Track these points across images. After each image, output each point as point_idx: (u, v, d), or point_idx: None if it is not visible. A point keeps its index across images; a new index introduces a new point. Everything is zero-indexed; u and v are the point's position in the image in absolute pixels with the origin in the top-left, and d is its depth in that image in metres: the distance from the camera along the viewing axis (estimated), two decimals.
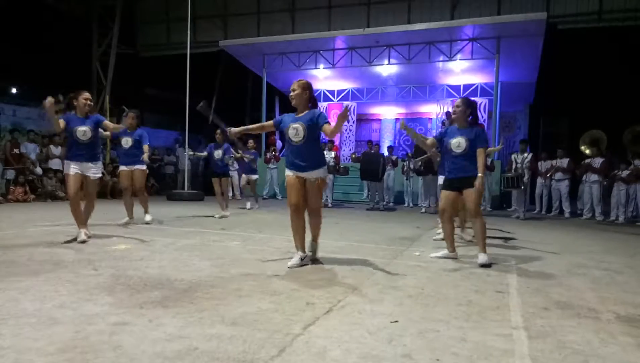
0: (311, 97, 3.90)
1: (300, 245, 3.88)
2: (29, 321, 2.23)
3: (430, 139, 4.68)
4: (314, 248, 4.00)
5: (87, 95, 4.97)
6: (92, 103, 5.00)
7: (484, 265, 4.03)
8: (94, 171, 4.98)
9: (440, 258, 4.39)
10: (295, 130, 3.76)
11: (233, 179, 13.45)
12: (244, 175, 10.17)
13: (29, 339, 2.00)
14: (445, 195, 4.44)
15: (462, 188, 4.31)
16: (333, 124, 3.67)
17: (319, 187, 3.83)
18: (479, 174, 4.22)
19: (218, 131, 8.27)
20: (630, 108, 15.94)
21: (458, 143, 4.30)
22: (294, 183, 3.83)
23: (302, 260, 3.80)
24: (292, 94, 3.86)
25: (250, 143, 10.43)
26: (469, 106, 4.38)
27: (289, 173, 3.89)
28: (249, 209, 9.59)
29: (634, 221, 9.79)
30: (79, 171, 4.88)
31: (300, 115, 3.84)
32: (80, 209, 4.92)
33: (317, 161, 3.85)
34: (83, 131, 4.82)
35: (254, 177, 10.07)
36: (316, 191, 3.82)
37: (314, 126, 3.76)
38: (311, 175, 3.80)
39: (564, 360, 1.98)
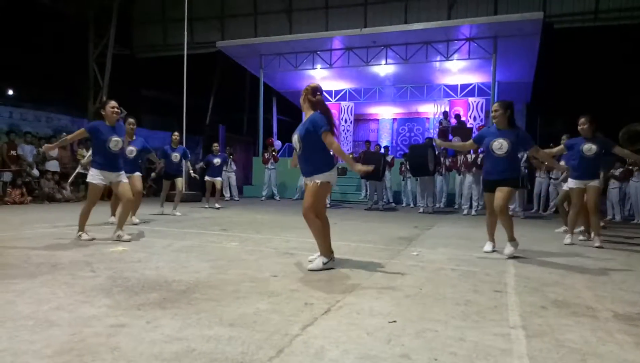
0: (314, 101, 3.76)
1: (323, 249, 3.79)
2: (25, 323, 2.22)
3: (469, 142, 4.96)
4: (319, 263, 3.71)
5: (113, 103, 5.04)
6: (119, 111, 5.08)
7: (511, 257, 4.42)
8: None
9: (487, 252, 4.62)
10: (294, 139, 3.75)
11: (231, 180, 13.45)
12: (208, 178, 10.27)
13: (25, 342, 2.00)
14: (487, 198, 4.59)
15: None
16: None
17: (312, 190, 3.67)
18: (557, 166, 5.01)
19: (175, 133, 8.60)
20: (626, 107, 15.99)
21: (500, 145, 4.36)
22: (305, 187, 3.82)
23: (324, 263, 3.71)
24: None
25: (215, 146, 10.46)
26: (508, 108, 4.42)
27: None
28: (217, 208, 9.80)
29: (630, 219, 9.81)
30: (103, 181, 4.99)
31: (303, 122, 3.80)
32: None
33: (316, 167, 3.69)
34: (116, 141, 4.95)
35: (218, 179, 10.25)
36: (308, 191, 3.70)
37: (310, 134, 3.64)
38: (311, 180, 3.72)
39: (562, 359, 1.98)
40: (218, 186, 10.16)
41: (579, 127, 5.44)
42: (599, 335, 2.29)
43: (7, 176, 10.17)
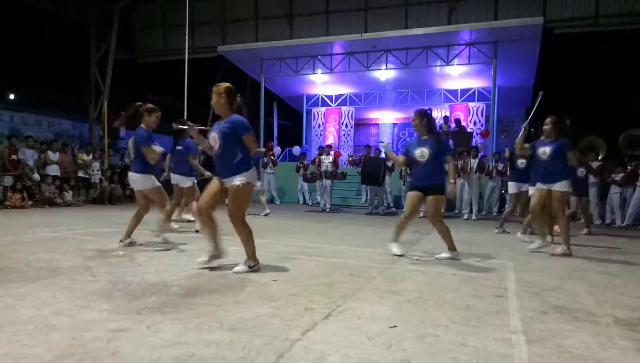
0: (236, 104, 3.79)
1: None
2: (25, 328, 2.22)
3: (400, 157, 5.05)
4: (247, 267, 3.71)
5: (159, 113, 4.95)
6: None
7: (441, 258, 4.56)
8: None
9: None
10: (214, 139, 3.73)
11: None
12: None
13: (25, 346, 1.99)
14: (410, 197, 4.80)
15: (426, 194, 4.63)
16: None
17: (235, 193, 3.64)
18: (451, 181, 4.75)
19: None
20: (626, 112, 16.02)
21: (421, 153, 4.63)
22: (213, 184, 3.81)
23: (250, 267, 3.70)
24: (211, 102, 3.80)
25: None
26: (424, 116, 4.72)
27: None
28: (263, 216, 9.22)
29: (636, 224, 9.74)
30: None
31: (220, 122, 3.77)
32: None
33: (237, 168, 3.68)
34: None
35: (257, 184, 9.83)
36: (231, 195, 3.67)
37: (232, 135, 3.65)
38: (229, 182, 3.68)
39: None
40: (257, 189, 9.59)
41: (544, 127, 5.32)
42: (600, 341, 2.28)
43: (8, 181, 10.16)
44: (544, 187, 5.18)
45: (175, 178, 6.76)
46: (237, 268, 3.69)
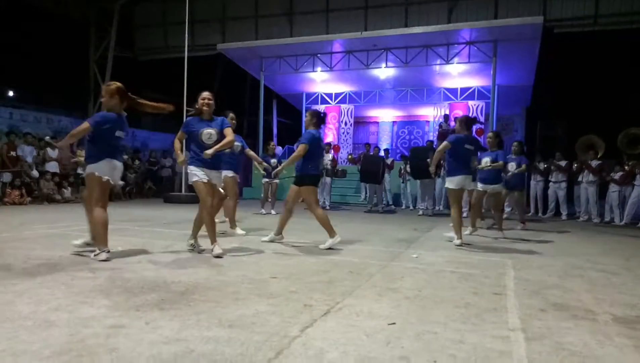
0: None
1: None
2: (24, 324, 2.22)
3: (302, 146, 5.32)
4: None
5: (204, 94, 4.46)
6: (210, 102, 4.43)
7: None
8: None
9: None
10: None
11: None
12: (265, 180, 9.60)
13: (24, 342, 1.99)
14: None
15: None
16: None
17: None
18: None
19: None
20: (626, 111, 16.02)
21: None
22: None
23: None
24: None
25: (271, 144, 10.19)
26: (314, 117, 5.24)
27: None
28: (274, 214, 9.10)
29: (635, 223, 9.74)
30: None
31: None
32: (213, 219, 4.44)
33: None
34: (209, 133, 4.35)
35: (275, 181, 9.63)
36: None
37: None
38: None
39: (562, 362, 1.98)
40: (274, 188, 9.64)
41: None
42: (599, 338, 2.29)
43: (7, 177, 10.15)
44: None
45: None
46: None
